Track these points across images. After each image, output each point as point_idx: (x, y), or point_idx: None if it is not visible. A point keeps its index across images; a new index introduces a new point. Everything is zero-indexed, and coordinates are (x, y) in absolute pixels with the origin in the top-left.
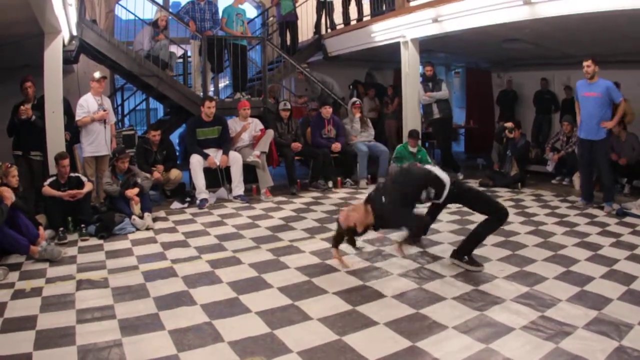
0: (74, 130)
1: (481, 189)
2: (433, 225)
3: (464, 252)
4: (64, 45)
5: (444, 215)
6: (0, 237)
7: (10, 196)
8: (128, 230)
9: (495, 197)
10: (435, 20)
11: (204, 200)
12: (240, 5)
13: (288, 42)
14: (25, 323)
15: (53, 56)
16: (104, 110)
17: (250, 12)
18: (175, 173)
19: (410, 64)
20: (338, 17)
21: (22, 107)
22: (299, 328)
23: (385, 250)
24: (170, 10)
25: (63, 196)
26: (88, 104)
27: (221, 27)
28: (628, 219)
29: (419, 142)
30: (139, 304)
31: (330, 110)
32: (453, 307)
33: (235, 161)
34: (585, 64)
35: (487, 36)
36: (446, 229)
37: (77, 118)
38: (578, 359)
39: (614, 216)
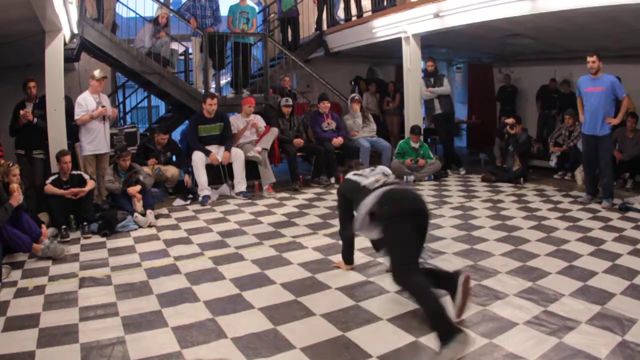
0: (74, 130)
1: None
2: (435, 221)
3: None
4: (65, 44)
5: (446, 211)
6: (3, 236)
7: (18, 197)
8: (130, 228)
9: (498, 192)
10: (436, 16)
11: (206, 197)
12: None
13: (289, 38)
14: (28, 321)
15: (54, 54)
16: (102, 107)
17: None
18: (172, 171)
19: (412, 59)
20: (339, 13)
21: (21, 112)
22: (302, 324)
23: None
24: (171, 7)
25: (65, 194)
26: (87, 103)
27: (227, 26)
28: (631, 214)
29: (421, 137)
30: (142, 301)
31: (329, 105)
32: None
33: (238, 158)
34: (590, 59)
35: (488, 31)
36: (448, 224)
37: (75, 117)
38: (581, 354)
39: (617, 211)
